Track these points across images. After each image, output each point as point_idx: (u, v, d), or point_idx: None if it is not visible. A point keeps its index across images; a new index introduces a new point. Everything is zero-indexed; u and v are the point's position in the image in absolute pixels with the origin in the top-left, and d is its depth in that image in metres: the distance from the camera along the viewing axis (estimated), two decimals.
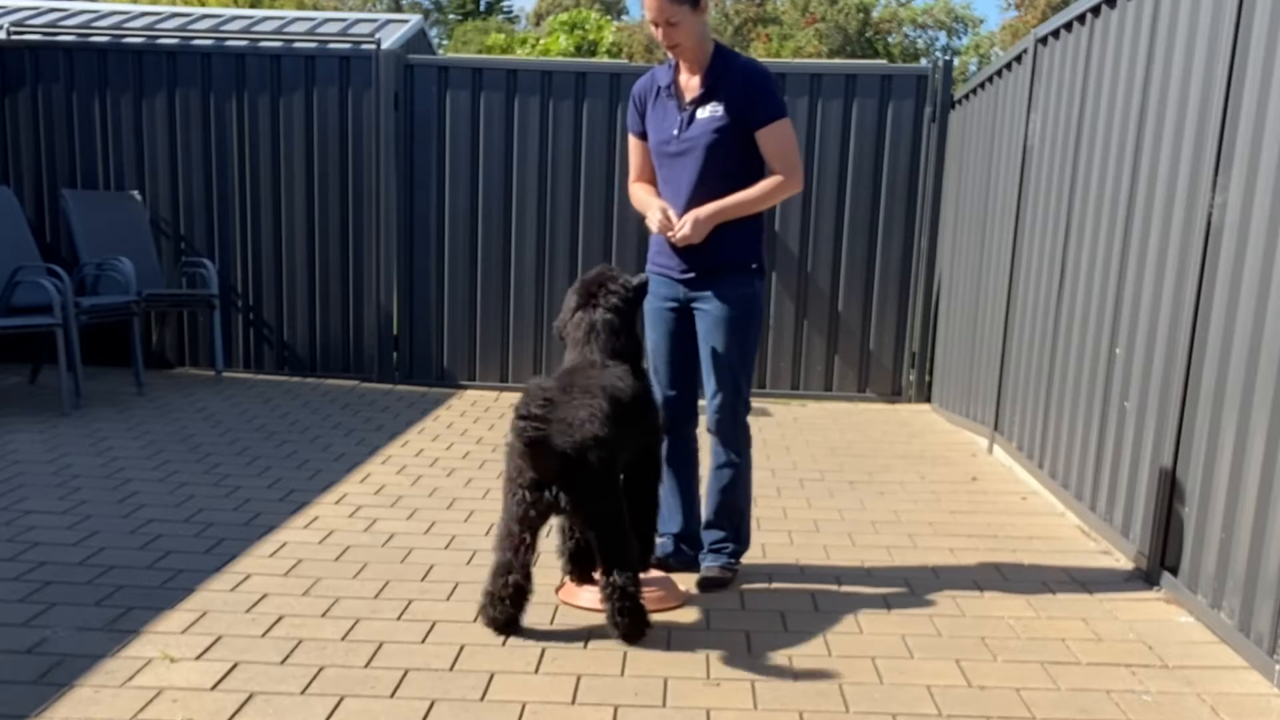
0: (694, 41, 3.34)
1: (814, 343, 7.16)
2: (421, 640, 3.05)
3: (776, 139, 3.37)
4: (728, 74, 3.38)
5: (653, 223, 3.42)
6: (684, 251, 3.43)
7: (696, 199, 3.39)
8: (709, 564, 3.59)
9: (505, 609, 3.06)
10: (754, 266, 3.47)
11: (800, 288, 7.08)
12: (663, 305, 3.56)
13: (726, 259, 3.42)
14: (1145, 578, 3.69)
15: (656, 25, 3.31)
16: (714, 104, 3.36)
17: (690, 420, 3.65)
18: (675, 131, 3.42)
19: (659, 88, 3.48)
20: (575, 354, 3.32)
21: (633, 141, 3.63)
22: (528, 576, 3.05)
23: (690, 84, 3.42)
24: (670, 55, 3.44)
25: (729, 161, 3.37)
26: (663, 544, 3.69)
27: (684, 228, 3.33)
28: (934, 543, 4.13)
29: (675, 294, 3.52)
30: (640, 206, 3.59)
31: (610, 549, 3.03)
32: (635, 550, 3.11)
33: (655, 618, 3.24)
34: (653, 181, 3.58)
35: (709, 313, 3.45)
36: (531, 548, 3.06)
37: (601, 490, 3.01)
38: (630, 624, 3.03)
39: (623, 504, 3.09)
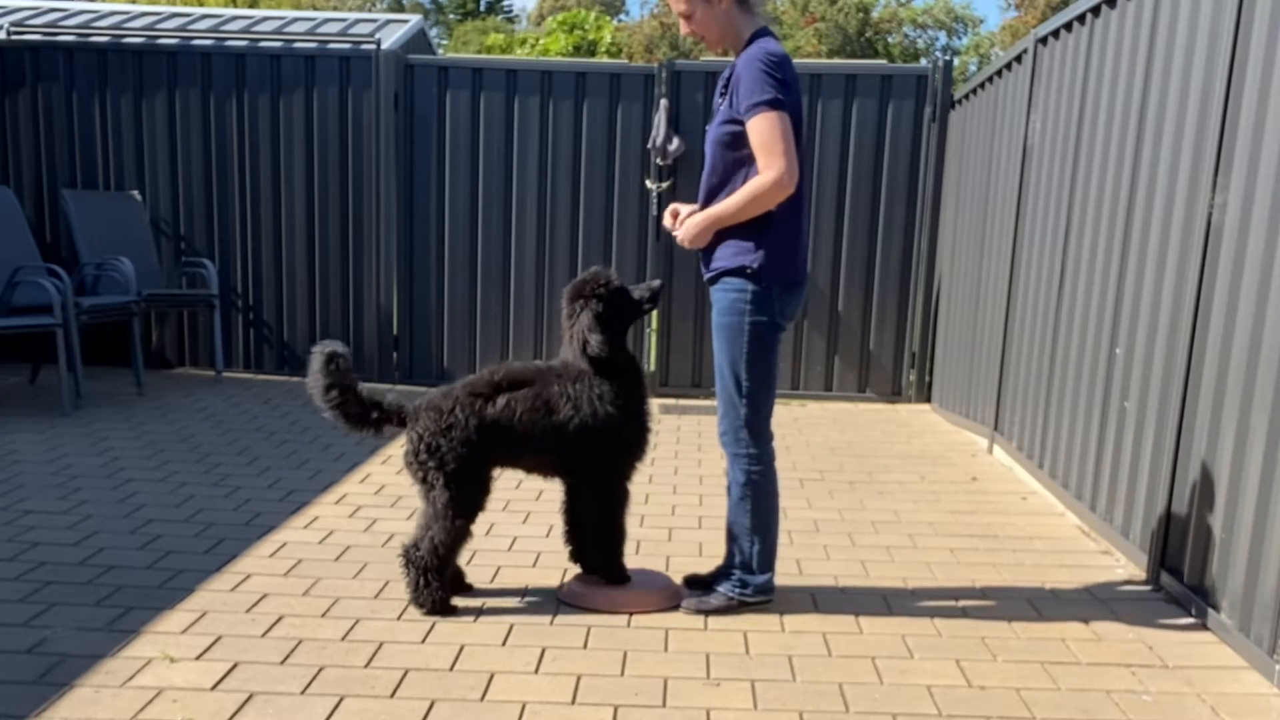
0: (717, 33, 3.24)
1: (814, 343, 7.16)
2: (421, 640, 3.05)
3: (755, 131, 3.12)
4: (738, 65, 3.23)
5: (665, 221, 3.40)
6: (703, 256, 3.37)
7: (708, 196, 3.30)
8: (717, 588, 3.41)
9: None
10: (748, 271, 3.21)
11: None
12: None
13: (721, 264, 3.27)
14: (1145, 578, 3.69)
15: (678, 17, 3.30)
16: (726, 99, 3.24)
17: None
18: (708, 126, 3.37)
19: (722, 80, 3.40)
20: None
21: None
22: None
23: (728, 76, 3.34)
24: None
25: (729, 160, 3.23)
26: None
27: (681, 230, 3.29)
28: (934, 543, 4.13)
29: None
30: None
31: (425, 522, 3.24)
32: (433, 534, 3.20)
33: (655, 618, 3.25)
34: None
35: (713, 319, 3.38)
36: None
37: (430, 472, 3.21)
38: (410, 589, 3.25)
39: (454, 499, 3.18)
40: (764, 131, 3.10)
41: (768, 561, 3.36)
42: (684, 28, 3.31)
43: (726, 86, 3.28)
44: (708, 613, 3.32)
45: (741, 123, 3.15)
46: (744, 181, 3.19)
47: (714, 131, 3.27)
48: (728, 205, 3.19)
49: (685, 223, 3.29)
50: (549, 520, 4.20)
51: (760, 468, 3.29)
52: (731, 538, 3.36)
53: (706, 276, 3.35)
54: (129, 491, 4.41)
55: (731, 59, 3.33)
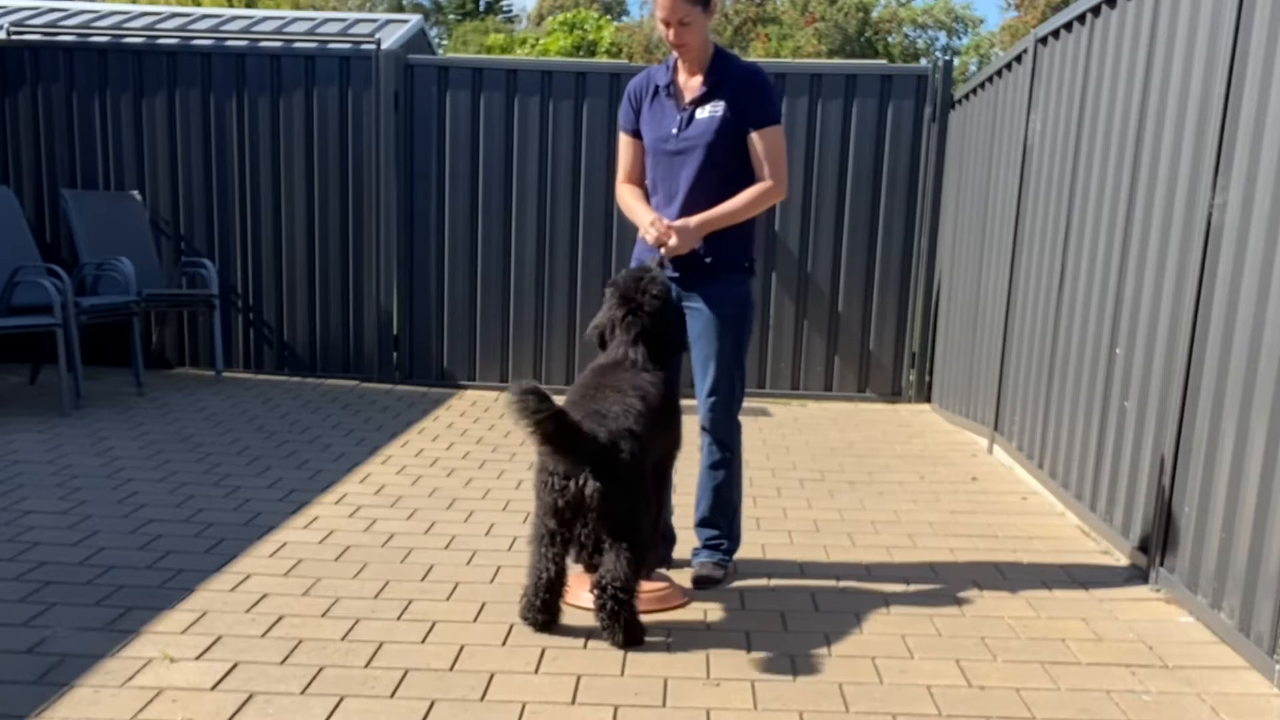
0: (700, 42, 3.38)
1: (814, 343, 7.16)
2: (421, 640, 3.05)
3: (769, 144, 3.40)
4: (729, 74, 3.41)
5: (649, 236, 3.37)
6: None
7: (692, 198, 3.41)
8: (703, 560, 3.61)
9: (538, 614, 3.08)
10: (746, 265, 3.51)
11: (800, 288, 7.08)
12: None
13: (721, 259, 3.44)
14: (1145, 578, 3.69)
15: (668, 25, 3.31)
16: (714, 104, 3.39)
17: None
18: (674, 130, 3.43)
19: (656, 86, 3.50)
20: (614, 354, 3.27)
21: (624, 139, 3.63)
22: (561, 573, 3.06)
23: (690, 84, 3.44)
24: (674, 54, 3.44)
25: (727, 162, 3.40)
26: None
27: (672, 239, 3.32)
28: (934, 543, 4.13)
29: None
30: (629, 213, 3.59)
31: (619, 550, 2.95)
32: (643, 561, 3.04)
33: (655, 618, 3.25)
34: (641, 180, 3.59)
35: (703, 312, 3.45)
36: (565, 543, 3.03)
37: (630, 486, 2.96)
38: (622, 632, 3.00)
39: (645, 507, 3.05)
40: (779, 145, 3.43)
41: (741, 528, 3.72)
42: (673, 36, 3.35)
43: (710, 91, 3.40)
44: (718, 580, 3.53)
45: (746, 131, 3.38)
46: (738, 187, 3.40)
47: (708, 137, 3.39)
48: (730, 210, 3.40)
49: (681, 230, 3.34)
50: None
51: (741, 444, 3.62)
52: (719, 514, 3.61)
53: (695, 274, 3.45)
54: (129, 491, 4.41)
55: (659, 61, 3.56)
